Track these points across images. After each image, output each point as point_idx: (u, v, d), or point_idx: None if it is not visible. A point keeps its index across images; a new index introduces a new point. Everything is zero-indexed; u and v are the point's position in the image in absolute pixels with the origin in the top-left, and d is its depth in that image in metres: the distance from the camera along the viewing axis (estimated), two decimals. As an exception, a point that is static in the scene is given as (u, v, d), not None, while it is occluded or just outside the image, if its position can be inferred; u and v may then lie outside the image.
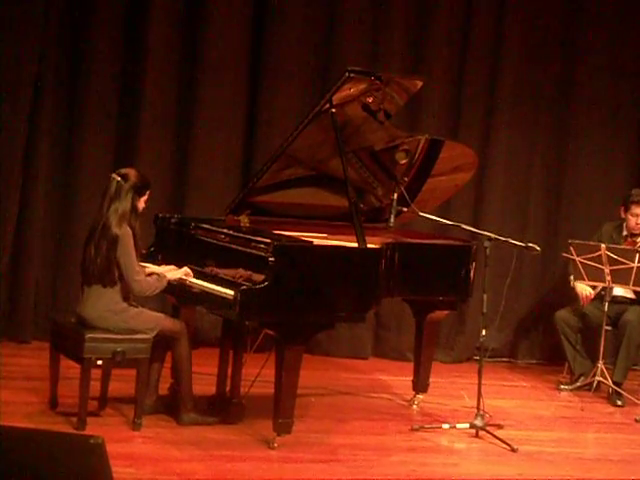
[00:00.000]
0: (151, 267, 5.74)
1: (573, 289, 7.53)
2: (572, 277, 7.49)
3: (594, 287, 7.46)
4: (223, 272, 5.62)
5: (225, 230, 5.85)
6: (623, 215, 7.61)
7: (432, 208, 6.57)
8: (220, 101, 7.71)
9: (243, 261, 5.52)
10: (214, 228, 5.92)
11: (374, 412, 6.47)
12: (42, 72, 7.23)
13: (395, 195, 6.19)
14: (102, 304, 5.46)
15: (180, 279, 5.63)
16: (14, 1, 7.12)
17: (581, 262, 7.22)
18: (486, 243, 6.05)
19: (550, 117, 8.51)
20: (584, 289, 7.45)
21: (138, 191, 5.53)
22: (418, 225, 7.21)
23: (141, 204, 5.58)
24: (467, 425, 6.05)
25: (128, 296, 5.54)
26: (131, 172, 5.58)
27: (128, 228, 5.45)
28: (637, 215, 7.49)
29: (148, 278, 5.55)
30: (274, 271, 5.25)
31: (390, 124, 6.08)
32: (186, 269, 5.65)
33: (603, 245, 7.17)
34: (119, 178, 5.50)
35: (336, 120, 5.68)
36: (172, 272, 5.65)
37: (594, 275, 7.22)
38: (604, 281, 7.19)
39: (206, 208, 7.10)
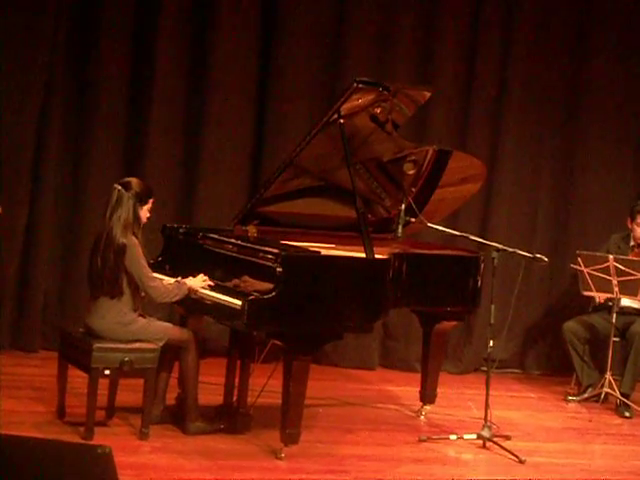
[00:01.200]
0: (168, 279, 5.72)
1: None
2: None
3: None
4: (231, 282, 5.62)
5: (233, 240, 5.86)
6: (630, 226, 7.61)
7: (440, 219, 6.57)
8: (228, 111, 7.73)
9: (251, 271, 5.53)
10: (222, 238, 5.93)
11: (381, 423, 6.47)
12: (50, 81, 7.25)
13: (403, 206, 6.18)
14: (110, 316, 5.46)
15: (195, 290, 5.60)
16: (24, 8, 7.14)
17: (589, 273, 7.22)
18: (494, 254, 6.05)
19: (558, 129, 8.51)
20: None
21: (140, 199, 5.52)
22: (426, 236, 7.21)
23: (144, 213, 5.57)
24: (474, 436, 6.04)
25: (137, 306, 5.54)
26: (133, 181, 5.58)
27: (133, 237, 5.45)
28: (643, 225, 7.52)
29: (167, 285, 5.55)
30: (282, 281, 5.25)
31: (398, 135, 6.09)
32: (203, 276, 5.63)
33: (611, 256, 7.17)
34: (120, 187, 5.50)
35: (344, 131, 5.68)
36: (192, 280, 5.60)
37: (602, 286, 7.21)
38: (612, 292, 7.19)
39: (214, 218, 7.11)
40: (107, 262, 5.42)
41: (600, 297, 7.48)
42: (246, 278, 5.54)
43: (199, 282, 5.60)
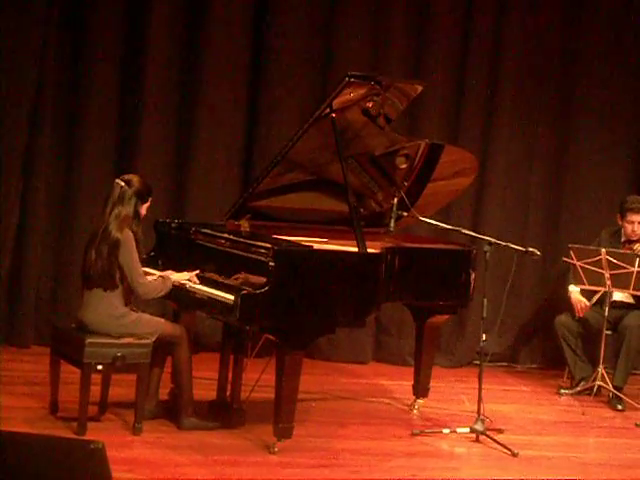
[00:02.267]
0: (156, 273, 5.73)
1: (569, 299, 7.54)
2: (570, 286, 7.49)
3: (591, 296, 7.48)
4: (223, 277, 5.62)
5: (225, 235, 5.85)
6: (620, 222, 7.61)
7: (432, 213, 6.57)
8: (220, 105, 7.72)
9: (243, 266, 5.53)
10: (214, 233, 5.93)
11: (374, 417, 6.47)
12: (42, 78, 7.23)
13: (395, 200, 6.18)
14: (102, 309, 5.46)
15: (182, 283, 5.61)
16: (16, 4, 7.12)
17: (581, 267, 7.22)
18: (486, 248, 6.05)
19: (550, 122, 8.51)
20: (579, 300, 7.46)
21: (141, 197, 5.54)
22: (418, 230, 7.22)
23: (143, 211, 5.59)
24: (467, 429, 6.05)
25: (129, 301, 5.54)
26: (134, 178, 5.59)
27: (130, 232, 5.45)
28: (633, 222, 7.50)
29: (152, 281, 5.56)
30: (274, 276, 5.25)
31: (390, 129, 6.08)
32: (192, 273, 5.65)
33: (603, 250, 7.17)
34: (123, 183, 5.51)
35: (336, 125, 5.68)
36: (177, 274, 5.65)
37: (594, 280, 7.21)
38: (604, 285, 7.19)
39: (206, 213, 7.10)
40: (101, 256, 5.43)
41: (579, 309, 7.47)
42: (239, 273, 5.54)
43: (184, 276, 5.62)
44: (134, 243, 5.46)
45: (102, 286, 5.46)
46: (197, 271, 5.66)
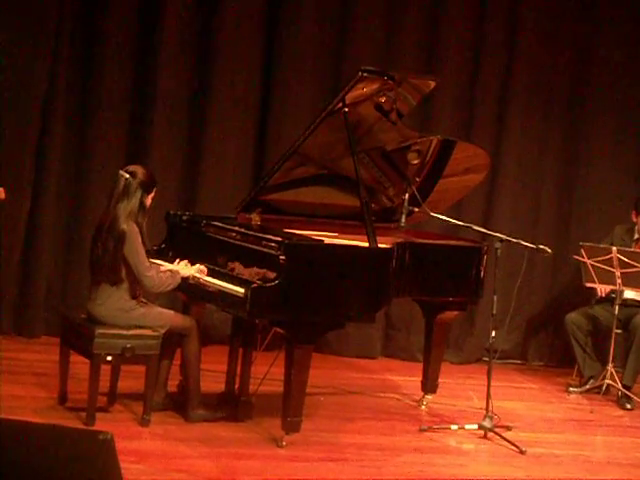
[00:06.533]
0: (165, 265, 5.73)
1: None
2: None
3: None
4: (234, 270, 5.61)
5: (236, 228, 5.85)
6: (634, 219, 7.59)
7: (443, 209, 6.56)
8: (232, 99, 7.72)
9: (254, 259, 5.52)
10: (225, 226, 5.93)
11: (383, 412, 6.47)
12: (55, 70, 7.23)
13: (406, 195, 6.18)
14: (111, 302, 5.46)
15: (193, 276, 5.62)
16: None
17: (592, 265, 7.21)
18: (497, 244, 6.05)
19: (562, 119, 8.50)
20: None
21: (146, 188, 5.52)
22: (429, 225, 7.21)
23: (148, 201, 5.57)
24: (475, 426, 6.04)
25: (137, 294, 5.54)
26: (138, 169, 5.56)
27: (135, 225, 5.44)
28: (647, 219, 7.50)
29: (160, 274, 5.54)
30: (285, 270, 5.25)
31: (402, 124, 6.08)
32: (200, 266, 5.64)
33: (614, 248, 7.16)
34: (127, 175, 5.48)
35: (348, 119, 5.68)
36: (185, 268, 5.64)
37: (605, 278, 7.20)
38: (615, 284, 7.18)
39: (217, 206, 7.10)
40: (107, 249, 5.42)
41: (602, 290, 7.47)
42: (249, 266, 5.53)
43: (193, 270, 5.61)
44: (139, 236, 5.44)
45: (109, 280, 5.45)
46: (202, 267, 5.65)
